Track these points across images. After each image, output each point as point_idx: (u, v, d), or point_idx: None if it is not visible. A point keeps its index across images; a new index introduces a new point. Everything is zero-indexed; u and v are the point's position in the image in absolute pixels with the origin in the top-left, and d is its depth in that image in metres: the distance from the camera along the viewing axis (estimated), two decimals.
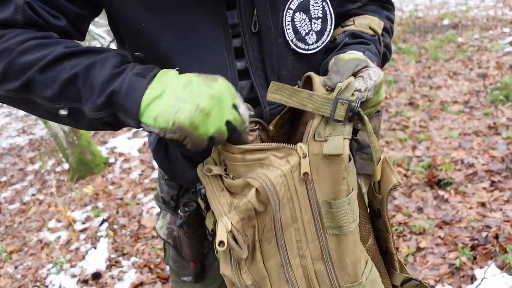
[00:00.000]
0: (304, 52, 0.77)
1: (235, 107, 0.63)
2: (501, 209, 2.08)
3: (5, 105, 6.67)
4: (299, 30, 0.75)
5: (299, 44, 0.76)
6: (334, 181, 0.65)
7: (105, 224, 2.75)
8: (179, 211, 0.94)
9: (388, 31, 0.88)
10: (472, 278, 1.73)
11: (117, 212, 2.87)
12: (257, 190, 0.63)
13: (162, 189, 1.02)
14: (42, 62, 0.58)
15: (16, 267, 2.52)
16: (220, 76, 0.64)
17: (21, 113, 6.07)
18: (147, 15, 0.68)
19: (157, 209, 2.58)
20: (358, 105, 0.63)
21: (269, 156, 0.65)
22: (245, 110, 0.65)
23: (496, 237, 1.90)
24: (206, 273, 1.06)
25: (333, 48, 0.80)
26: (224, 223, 0.64)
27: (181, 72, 0.65)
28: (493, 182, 2.30)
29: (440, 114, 3.22)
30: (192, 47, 0.71)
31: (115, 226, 2.70)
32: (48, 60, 0.58)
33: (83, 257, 2.45)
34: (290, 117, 0.79)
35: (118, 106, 0.60)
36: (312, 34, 0.77)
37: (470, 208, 2.15)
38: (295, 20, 0.74)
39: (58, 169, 3.83)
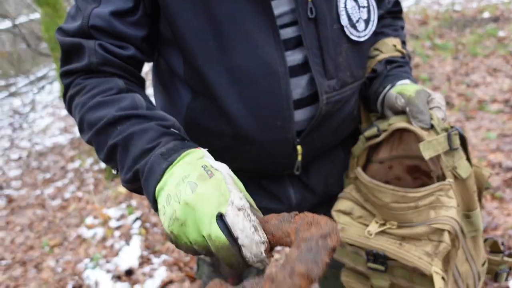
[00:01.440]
0: (356, 39, 0.79)
1: (221, 217, 0.47)
2: None
3: (49, 105, 7.07)
4: (351, 16, 0.77)
5: (352, 30, 0.78)
6: (468, 196, 0.79)
7: (138, 222, 2.86)
8: None
9: (404, 42, 0.96)
10: (508, 274, 1.66)
11: (149, 210, 2.98)
12: (449, 232, 0.71)
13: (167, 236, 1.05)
14: (99, 124, 0.62)
15: (57, 261, 2.68)
16: (223, 168, 0.53)
17: (64, 113, 6.41)
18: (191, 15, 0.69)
19: None
20: (461, 130, 0.77)
21: (438, 197, 0.74)
22: (240, 222, 0.46)
23: None
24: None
25: (374, 77, 0.90)
26: (437, 272, 0.71)
27: (233, 74, 0.69)
28: None
29: (478, 113, 3.08)
30: (237, 40, 0.69)
31: (147, 224, 2.81)
32: (102, 124, 0.62)
33: (117, 254, 2.57)
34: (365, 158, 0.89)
35: (142, 185, 0.58)
36: (360, 22, 0.79)
37: (508, 214, 2.05)
38: (347, 6, 0.76)
39: (96, 167, 4.02)
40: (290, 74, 0.74)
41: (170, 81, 0.82)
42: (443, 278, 0.71)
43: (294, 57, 0.75)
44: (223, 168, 0.52)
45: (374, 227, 0.79)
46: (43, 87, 7.71)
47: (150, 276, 2.28)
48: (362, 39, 0.80)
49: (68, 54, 0.71)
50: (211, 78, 0.72)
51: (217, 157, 0.88)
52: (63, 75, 0.72)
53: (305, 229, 0.42)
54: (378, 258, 0.77)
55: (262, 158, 0.81)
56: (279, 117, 0.75)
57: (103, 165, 3.91)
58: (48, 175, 4.22)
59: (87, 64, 0.68)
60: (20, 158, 4.99)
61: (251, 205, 0.50)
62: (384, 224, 0.79)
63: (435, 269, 0.70)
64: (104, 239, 2.79)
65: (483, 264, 0.86)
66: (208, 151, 0.73)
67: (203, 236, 0.48)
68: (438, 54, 4.43)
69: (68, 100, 0.72)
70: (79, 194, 3.59)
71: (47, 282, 2.44)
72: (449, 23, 5.50)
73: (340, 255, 0.86)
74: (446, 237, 0.71)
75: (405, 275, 0.76)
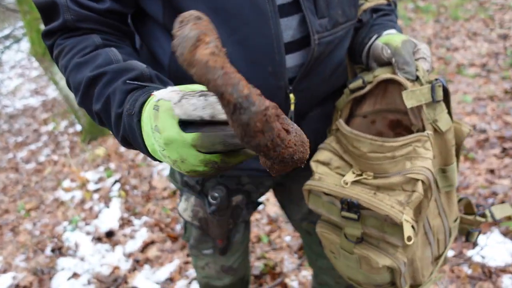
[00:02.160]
0: None
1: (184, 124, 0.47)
2: (510, 176, 2.06)
3: (17, 65, 6.71)
4: None
5: None
6: (446, 150, 0.79)
7: (117, 185, 2.83)
8: (209, 198, 0.94)
9: None
10: (475, 244, 1.75)
11: (129, 173, 2.95)
12: (422, 182, 0.71)
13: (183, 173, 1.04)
14: (80, 91, 0.63)
15: (34, 224, 2.64)
16: (164, 92, 0.50)
17: (34, 74, 6.12)
18: None
19: (167, 170, 2.64)
20: (445, 83, 0.75)
21: (414, 148, 0.74)
22: (189, 106, 0.46)
23: (502, 203, 1.89)
24: (230, 246, 1.11)
25: (360, 28, 0.87)
26: (407, 221, 0.71)
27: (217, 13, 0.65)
28: (504, 149, 2.27)
29: (456, 77, 3.12)
30: None
31: (127, 187, 2.78)
32: (82, 90, 0.62)
33: (97, 216, 2.55)
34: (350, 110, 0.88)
35: (136, 147, 0.57)
36: None
37: (479, 174, 2.14)
38: None
39: (71, 130, 3.90)
40: (280, 14, 0.71)
41: (150, 31, 0.77)
42: (412, 227, 0.72)
43: None
44: (164, 94, 0.50)
45: (350, 177, 0.79)
46: (9, 46, 7.27)
47: (131, 237, 2.29)
48: None
49: (45, 14, 0.69)
50: None
51: None
52: (44, 36, 0.71)
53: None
54: (351, 207, 0.77)
55: None
56: (270, 61, 0.72)
57: (78, 127, 3.80)
58: (20, 138, 4.07)
59: (62, 22, 0.67)
60: None
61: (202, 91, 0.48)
62: (360, 175, 0.79)
63: (406, 217, 0.71)
64: (82, 202, 2.76)
65: (455, 220, 0.88)
66: None
67: (196, 152, 0.47)
68: (420, 17, 4.41)
69: (55, 62, 0.72)
70: (55, 157, 3.50)
71: (24, 245, 2.42)
72: None
73: (316, 205, 0.86)
74: (419, 187, 0.71)
75: (377, 225, 0.77)
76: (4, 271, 2.24)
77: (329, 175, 0.83)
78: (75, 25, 0.67)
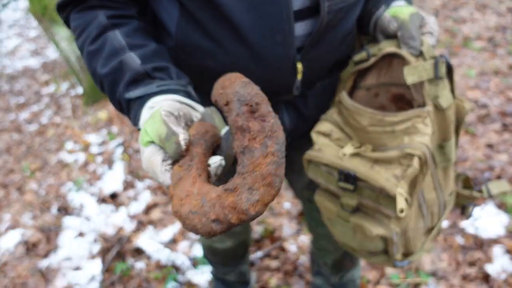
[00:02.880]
0: None
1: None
2: (507, 151, 2.10)
3: (16, 24, 6.56)
4: None
5: None
6: (445, 126, 0.79)
7: (120, 148, 2.86)
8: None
9: None
10: (469, 216, 1.82)
11: (131, 137, 2.97)
12: (419, 157, 0.73)
13: None
14: (96, 79, 0.72)
15: (39, 184, 2.70)
16: (159, 104, 0.60)
17: (33, 34, 6.00)
18: None
19: None
20: (449, 59, 0.76)
21: (414, 124, 0.75)
22: (154, 128, 0.54)
23: (499, 178, 1.94)
24: None
25: None
26: (401, 194, 0.73)
27: None
28: (504, 125, 2.29)
29: (461, 50, 3.09)
30: None
31: (130, 150, 2.82)
32: (97, 80, 0.71)
33: (100, 178, 2.61)
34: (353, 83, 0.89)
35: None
36: None
37: (477, 148, 2.18)
38: None
39: (73, 93, 3.89)
40: None
41: None
42: (406, 200, 0.75)
43: None
44: (158, 105, 0.60)
45: (349, 149, 0.82)
46: (6, 4, 7.08)
47: (135, 199, 2.35)
48: None
49: None
50: None
51: (211, 84, 0.86)
52: (59, 9, 0.77)
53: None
54: (348, 178, 0.80)
55: (260, 78, 0.79)
56: (279, 30, 0.72)
57: (80, 90, 3.79)
58: (22, 100, 4.07)
59: None
60: None
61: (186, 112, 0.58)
62: (359, 147, 0.81)
63: (400, 190, 0.73)
64: (86, 164, 2.81)
65: (450, 194, 0.91)
66: (201, 75, 0.78)
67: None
68: None
69: (73, 35, 0.78)
70: (57, 119, 3.51)
71: (31, 204, 2.49)
72: None
73: (315, 175, 0.89)
74: (415, 162, 0.74)
75: (372, 196, 0.80)
76: (13, 228, 2.32)
77: (328, 146, 0.85)
78: None
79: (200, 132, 0.50)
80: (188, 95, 0.66)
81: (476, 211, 1.80)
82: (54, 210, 2.41)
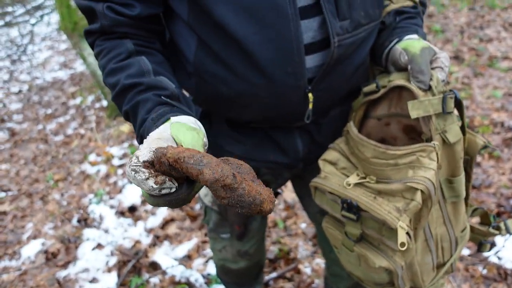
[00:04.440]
0: None
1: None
2: None
3: (48, 37, 6.86)
4: None
5: None
6: (454, 161, 0.79)
7: None
8: None
9: None
10: (492, 245, 1.75)
11: None
12: (422, 192, 0.73)
13: None
14: (114, 91, 0.72)
15: (62, 195, 2.77)
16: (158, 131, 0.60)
17: (63, 47, 6.24)
18: None
19: None
20: (458, 95, 0.75)
21: (418, 157, 0.74)
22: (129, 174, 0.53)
23: None
24: (248, 233, 1.16)
25: (383, 29, 0.87)
26: (402, 227, 0.73)
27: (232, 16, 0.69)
28: None
29: (487, 70, 3.01)
30: None
31: None
32: (117, 91, 0.71)
33: (120, 191, 2.66)
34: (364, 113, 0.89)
35: None
36: None
37: (503, 173, 2.10)
38: None
39: (97, 105, 4.01)
40: (301, 16, 0.72)
41: (177, 28, 0.81)
42: (408, 234, 0.74)
43: None
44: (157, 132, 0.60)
45: (353, 179, 0.82)
46: (41, 17, 7.42)
47: (153, 213, 2.38)
48: None
49: (86, 15, 0.77)
50: (219, 14, 0.70)
51: (227, 108, 0.87)
52: (86, 35, 0.80)
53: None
54: (351, 207, 0.80)
55: (272, 105, 0.80)
56: (289, 62, 0.74)
57: (104, 103, 3.90)
58: (49, 111, 4.22)
59: (100, 26, 0.74)
60: (20, 91, 4.95)
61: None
62: (364, 178, 0.81)
63: (401, 224, 0.73)
64: (107, 176, 2.87)
65: (462, 230, 0.88)
66: (215, 99, 0.81)
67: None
68: (454, 4, 4.23)
69: (96, 59, 0.80)
70: (81, 131, 3.62)
71: (53, 214, 2.55)
72: None
73: (321, 202, 0.90)
74: (418, 196, 0.73)
75: (375, 227, 0.79)
76: (35, 237, 2.38)
77: (334, 175, 0.86)
78: (111, 29, 0.74)
79: None
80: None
81: (500, 241, 1.73)
82: (74, 221, 2.46)
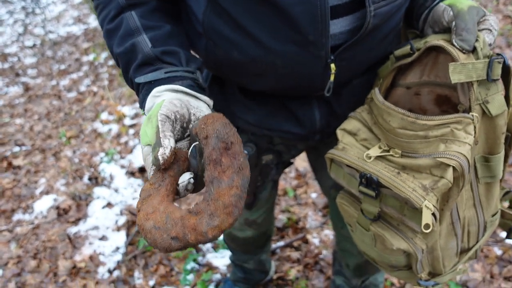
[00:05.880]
0: None
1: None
2: None
3: None
4: None
5: None
6: (493, 137, 0.70)
7: None
8: None
9: None
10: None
11: None
12: (454, 168, 0.64)
13: None
14: (114, 56, 0.72)
15: (74, 152, 2.78)
16: (156, 108, 0.58)
17: (77, 0, 6.10)
18: None
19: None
20: (507, 60, 0.66)
21: (452, 130, 0.65)
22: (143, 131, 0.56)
23: None
24: (257, 201, 1.12)
25: None
26: (428, 208, 0.65)
27: None
28: None
29: None
30: None
31: None
32: (115, 57, 0.72)
33: (131, 151, 2.65)
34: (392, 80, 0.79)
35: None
36: None
37: None
38: None
39: (110, 62, 3.94)
40: None
41: None
42: (433, 214, 0.66)
43: None
44: (161, 95, 0.61)
45: (375, 151, 0.73)
46: None
47: None
48: None
49: None
50: None
51: (238, 75, 0.79)
52: None
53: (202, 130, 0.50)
54: (370, 183, 0.72)
55: (289, 76, 0.72)
56: (312, 29, 0.64)
57: None
58: (63, 66, 4.18)
59: None
60: (34, 45, 4.90)
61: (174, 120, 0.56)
62: (387, 151, 0.73)
63: (427, 203, 0.64)
64: (118, 135, 2.85)
65: (493, 215, 0.80)
66: (226, 64, 0.75)
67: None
68: None
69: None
70: (94, 88, 3.58)
71: (65, 171, 2.57)
72: None
73: (337, 175, 0.82)
74: (449, 173, 0.64)
75: (396, 206, 0.72)
76: (47, 193, 2.41)
77: (353, 146, 0.77)
78: None
79: (178, 158, 0.55)
80: (195, 82, 0.64)
81: None
82: (85, 179, 2.48)
